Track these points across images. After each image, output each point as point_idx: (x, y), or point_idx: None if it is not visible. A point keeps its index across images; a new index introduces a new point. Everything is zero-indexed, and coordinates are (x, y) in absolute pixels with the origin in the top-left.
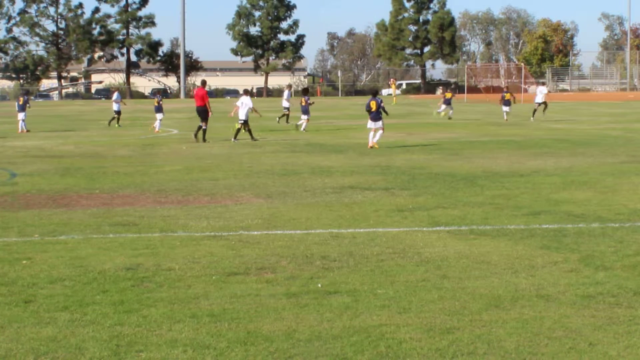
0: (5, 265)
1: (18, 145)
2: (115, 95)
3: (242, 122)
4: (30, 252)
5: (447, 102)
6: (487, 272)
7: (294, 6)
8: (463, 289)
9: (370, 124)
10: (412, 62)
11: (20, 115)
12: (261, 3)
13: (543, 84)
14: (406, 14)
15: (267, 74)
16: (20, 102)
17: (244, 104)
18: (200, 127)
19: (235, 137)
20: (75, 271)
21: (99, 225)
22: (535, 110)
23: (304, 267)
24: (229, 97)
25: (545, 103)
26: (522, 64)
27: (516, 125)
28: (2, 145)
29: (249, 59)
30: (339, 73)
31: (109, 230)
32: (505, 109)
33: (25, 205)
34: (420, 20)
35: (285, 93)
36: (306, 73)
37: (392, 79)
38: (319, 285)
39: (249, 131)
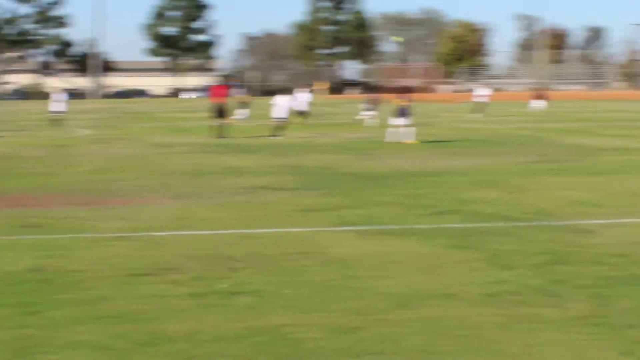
0: None
1: None
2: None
3: (283, 119)
4: None
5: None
6: (393, 271)
7: (209, 7)
8: (369, 289)
9: None
10: (327, 63)
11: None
12: (177, 4)
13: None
14: (322, 15)
15: (182, 74)
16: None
17: (280, 102)
18: (220, 125)
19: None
20: None
21: (5, 226)
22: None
23: (210, 267)
24: (143, 98)
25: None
26: (437, 64)
27: (427, 125)
28: None
29: (165, 59)
30: (254, 74)
31: (15, 232)
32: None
33: None
34: (336, 20)
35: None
36: (221, 73)
37: (313, 82)
38: (224, 285)
39: (282, 128)
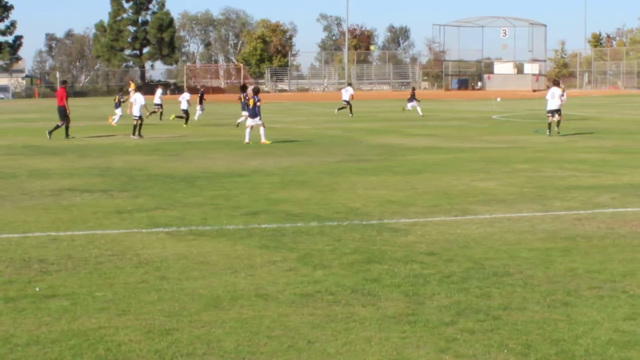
0: None
1: None
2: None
3: (138, 117)
4: None
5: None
6: (207, 272)
7: (12, 7)
8: (182, 290)
9: None
10: (131, 63)
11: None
12: None
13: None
14: (125, 15)
15: None
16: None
17: (137, 100)
18: (57, 126)
19: (134, 133)
20: None
21: None
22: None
23: (21, 271)
24: None
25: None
26: (242, 65)
27: (234, 126)
28: None
29: None
30: (58, 74)
31: None
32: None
33: None
34: (140, 21)
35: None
36: (24, 74)
37: (130, 81)
38: (37, 289)
39: (140, 126)
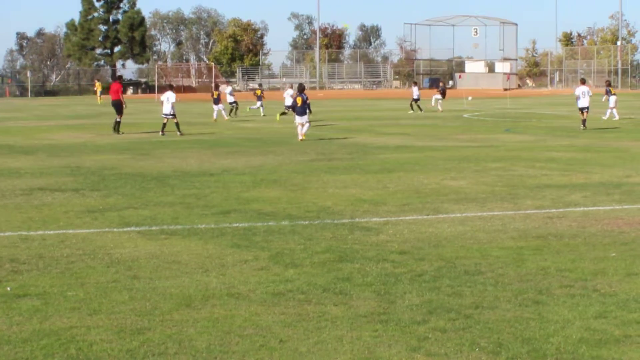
0: None
1: None
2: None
3: (171, 116)
4: None
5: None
6: (178, 271)
7: None
8: (154, 289)
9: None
10: (102, 62)
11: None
12: None
13: (415, 83)
14: (96, 14)
15: None
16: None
17: (169, 98)
18: (117, 121)
19: (162, 132)
20: None
21: None
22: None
23: None
24: None
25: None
26: (213, 64)
27: (206, 124)
28: None
29: None
30: (29, 73)
31: None
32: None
33: None
34: (111, 19)
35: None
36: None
37: (96, 80)
38: (9, 288)
39: (177, 124)
